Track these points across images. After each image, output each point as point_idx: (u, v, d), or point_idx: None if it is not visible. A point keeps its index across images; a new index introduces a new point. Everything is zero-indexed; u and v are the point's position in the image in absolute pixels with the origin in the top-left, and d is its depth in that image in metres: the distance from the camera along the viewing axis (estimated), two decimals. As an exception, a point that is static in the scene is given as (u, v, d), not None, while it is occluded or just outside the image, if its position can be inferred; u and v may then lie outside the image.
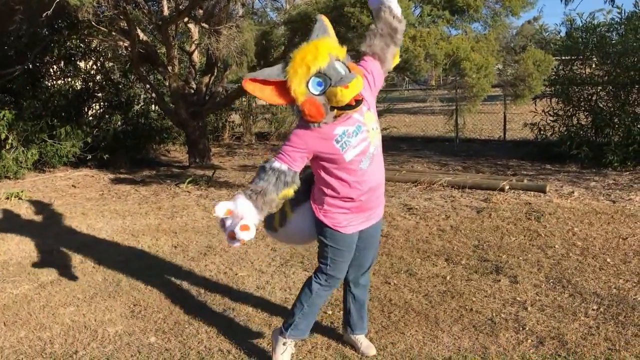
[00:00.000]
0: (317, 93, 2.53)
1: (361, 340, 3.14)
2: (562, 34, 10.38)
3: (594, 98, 8.92)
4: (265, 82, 2.63)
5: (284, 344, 2.97)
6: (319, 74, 2.52)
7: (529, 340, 3.19)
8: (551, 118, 9.20)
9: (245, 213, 2.54)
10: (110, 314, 3.79)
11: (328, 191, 2.75)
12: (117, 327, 3.58)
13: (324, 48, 2.56)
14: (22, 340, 3.46)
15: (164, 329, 3.53)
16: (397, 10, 2.84)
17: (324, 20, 2.79)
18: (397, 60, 2.98)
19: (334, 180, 2.71)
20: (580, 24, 9.27)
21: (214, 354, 3.18)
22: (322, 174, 2.73)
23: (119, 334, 3.49)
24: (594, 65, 9.42)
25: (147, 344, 3.34)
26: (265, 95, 2.65)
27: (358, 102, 2.56)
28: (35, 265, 4.85)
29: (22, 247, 5.36)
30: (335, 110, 2.55)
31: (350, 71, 2.57)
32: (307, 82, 2.53)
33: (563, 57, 9.54)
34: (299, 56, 2.55)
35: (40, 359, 3.23)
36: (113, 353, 3.25)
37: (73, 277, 4.51)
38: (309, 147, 2.65)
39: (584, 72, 9.34)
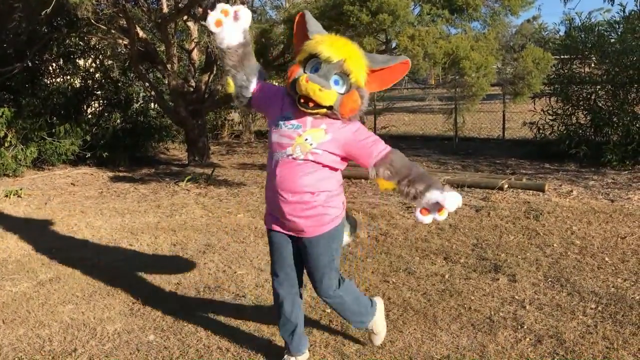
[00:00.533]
0: (306, 70, 2.57)
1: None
2: (561, 33, 10.39)
3: (592, 97, 8.93)
4: (303, 27, 2.71)
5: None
6: (316, 58, 2.52)
7: (527, 339, 3.19)
8: (550, 117, 9.21)
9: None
10: (109, 312, 3.79)
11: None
12: (116, 325, 3.58)
13: (347, 52, 2.52)
14: (21, 338, 3.46)
15: (163, 326, 3.53)
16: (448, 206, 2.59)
17: (398, 61, 2.69)
18: (387, 187, 2.74)
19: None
20: (579, 24, 9.29)
21: (212, 352, 3.18)
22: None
23: (117, 332, 3.49)
24: (592, 65, 9.43)
25: (146, 342, 3.34)
26: (297, 34, 2.78)
27: (304, 104, 2.51)
28: (34, 263, 4.85)
29: (21, 245, 5.36)
30: (298, 96, 2.53)
31: (345, 92, 2.54)
32: (309, 58, 2.56)
33: (562, 56, 9.55)
34: (328, 37, 2.59)
35: (39, 356, 3.23)
36: (112, 351, 3.26)
37: (72, 275, 4.51)
38: (273, 96, 2.79)
39: (583, 71, 9.35)
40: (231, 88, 2.85)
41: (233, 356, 3.13)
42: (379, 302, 3.13)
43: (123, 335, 3.44)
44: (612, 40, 8.88)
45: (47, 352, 3.27)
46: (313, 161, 2.61)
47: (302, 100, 2.51)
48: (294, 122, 2.62)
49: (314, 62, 2.54)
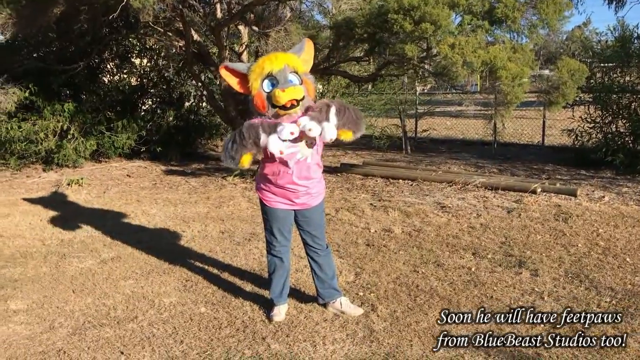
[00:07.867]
0: (267, 91, 3.24)
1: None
2: (608, 40, 10.43)
3: (633, 106, 9.03)
4: (234, 72, 3.40)
5: None
6: (270, 76, 3.22)
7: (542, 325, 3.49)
8: (589, 125, 9.33)
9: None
10: (165, 287, 4.24)
11: None
12: (172, 298, 4.03)
13: (282, 59, 3.26)
14: (89, 306, 3.94)
15: (213, 301, 3.96)
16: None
17: (305, 43, 3.46)
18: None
19: None
20: (624, 33, 9.38)
21: (256, 323, 3.59)
22: None
23: (173, 304, 3.93)
24: (634, 74, 9.50)
25: (198, 313, 3.77)
26: (233, 82, 3.41)
27: (293, 106, 3.20)
28: (96, 243, 5.37)
29: (85, 228, 5.89)
30: (277, 109, 3.23)
31: (301, 83, 3.25)
32: (262, 81, 3.24)
33: (604, 65, 9.64)
34: (261, 60, 3.30)
35: (106, 321, 3.70)
36: (168, 319, 3.70)
37: (131, 255, 5.01)
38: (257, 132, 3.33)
39: (623, 80, 9.44)
40: (247, 163, 3.49)
41: (274, 327, 3.52)
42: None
43: (178, 307, 3.88)
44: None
45: (112, 318, 3.74)
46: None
47: (288, 105, 3.18)
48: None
49: (268, 80, 3.23)
